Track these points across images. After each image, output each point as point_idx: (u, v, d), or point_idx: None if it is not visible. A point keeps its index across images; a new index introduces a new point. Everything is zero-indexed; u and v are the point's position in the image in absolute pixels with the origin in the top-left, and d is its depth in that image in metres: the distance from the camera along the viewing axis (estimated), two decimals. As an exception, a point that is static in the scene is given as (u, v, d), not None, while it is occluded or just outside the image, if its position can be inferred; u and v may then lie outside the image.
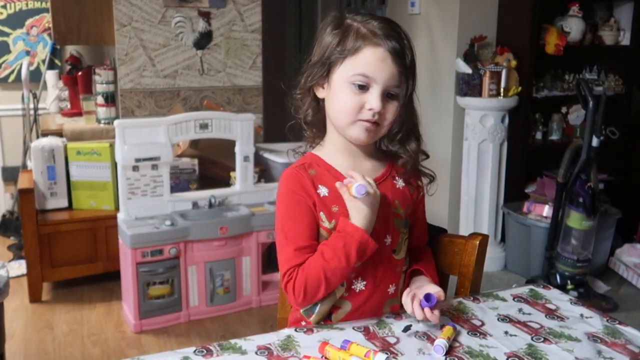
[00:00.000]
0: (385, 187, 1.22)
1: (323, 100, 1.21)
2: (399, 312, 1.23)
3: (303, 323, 1.23)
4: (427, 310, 1.11)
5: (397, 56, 1.13)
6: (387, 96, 1.15)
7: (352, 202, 1.14)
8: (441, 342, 1.06)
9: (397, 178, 1.25)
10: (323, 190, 1.18)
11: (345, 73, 1.15)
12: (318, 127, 1.24)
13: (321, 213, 1.18)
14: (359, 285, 1.21)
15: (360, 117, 1.15)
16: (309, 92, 1.22)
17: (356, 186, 1.12)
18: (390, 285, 1.24)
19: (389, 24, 1.16)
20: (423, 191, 1.30)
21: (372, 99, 1.14)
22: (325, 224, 1.18)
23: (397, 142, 1.24)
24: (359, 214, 1.14)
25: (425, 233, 1.37)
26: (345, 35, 1.15)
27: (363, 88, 1.14)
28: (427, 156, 1.27)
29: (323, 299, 1.19)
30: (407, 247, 1.28)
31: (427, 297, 1.12)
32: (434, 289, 1.15)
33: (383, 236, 1.21)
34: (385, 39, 1.13)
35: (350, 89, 1.14)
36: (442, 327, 1.12)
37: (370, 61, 1.13)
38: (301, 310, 1.24)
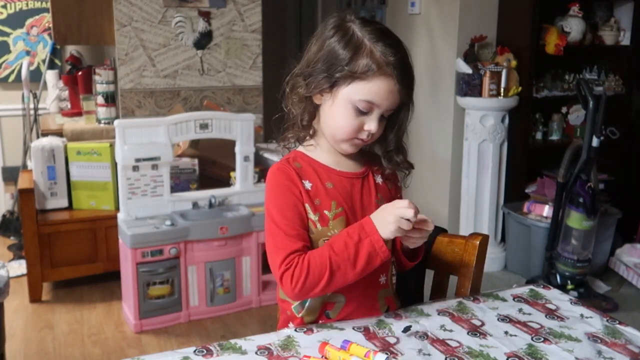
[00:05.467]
0: (368, 182, 1.27)
1: (319, 105, 1.22)
2: (396, 309, 1.24)
3: (290, 325, 1.23)
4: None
5: (404, 87, 1.16)
6: (381, 116, 1.18)
7: (384, 212, 1.14)
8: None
9: (375, 175, 1.29)
10: (307, 184, 1.21)
11: (351, 95, 1.15)
12: (311, 128, 1.26)
13: (307, 205, 1.20)
14: None
15: (357, 136, 1.19)
16: (308, 98, 1.22)
17: None
18: (381, 276, 1.26)
19: (400, 50, 1.16)
20: (401, 187, 1.33)
21: (372, 123, 1.17)
22: (311, 215, 1.20)
23: (386, 155, 1.26)
24: (384, 225, 1.13)
25: None
26: (356, 54, 1.14)
27: (365, 112, 1.16)
28: (412, 167, 1.29)
29: None
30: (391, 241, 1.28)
31: None
32: None
33: None
34: (397, 70, 1.14)
35: (353, 110, 1.16)
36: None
37: (379, 91, 1.14)
38: (292, 306, 1.24)
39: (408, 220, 1.11)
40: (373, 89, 1.14)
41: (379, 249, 1.13)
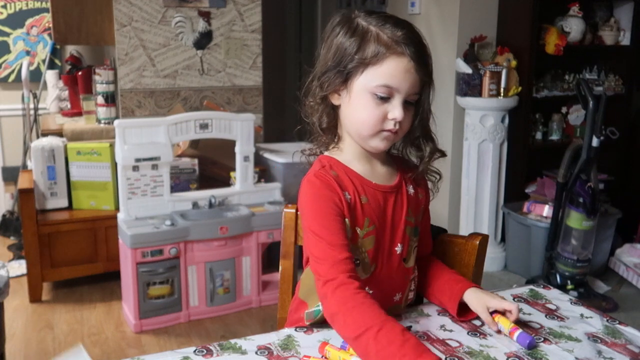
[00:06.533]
0: (401, 195, 1.21)
1: (338, 106, 1.18)
2: (399, 314, 1.23)
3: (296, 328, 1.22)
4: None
5: (420, 65, 1.11)
6: (405, 103, 1.12)
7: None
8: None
9: (408, 185, 1.23)
10: (347, 196, 1.14)
11: (366, 83, 1.10)
12: (332, 132, 1.20)
13: (345, 219, 1.12)
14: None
15: (383, 127, 1.12)
16: (324, 99, 1.17)
17: (521, 334, 1.07)
18: (397, 294, 1.22)
19: (409, 28, 1.12)
20: (430, 195, 1.28)
21: (395, 109, 1.10)
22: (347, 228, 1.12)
23: (414, 146, 1.21)
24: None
25: (430, 242, 1.34)
26: (364, 42, 1.10)
27: (385, 99, 1.10)
28: (445, 155, 1.23)
29: None
30: (415, 255, 1.25)
31: (524, 338, 1.08)
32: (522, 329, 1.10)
33: (394, 245, 1.19)
34: (408, 47, 1.09)
35: (372, 99, 1.10)
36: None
37: (394, 72, 1.09)
38: (306, 311, 1.20)
39: None
40: (388, 71, 1.08)
41: None
